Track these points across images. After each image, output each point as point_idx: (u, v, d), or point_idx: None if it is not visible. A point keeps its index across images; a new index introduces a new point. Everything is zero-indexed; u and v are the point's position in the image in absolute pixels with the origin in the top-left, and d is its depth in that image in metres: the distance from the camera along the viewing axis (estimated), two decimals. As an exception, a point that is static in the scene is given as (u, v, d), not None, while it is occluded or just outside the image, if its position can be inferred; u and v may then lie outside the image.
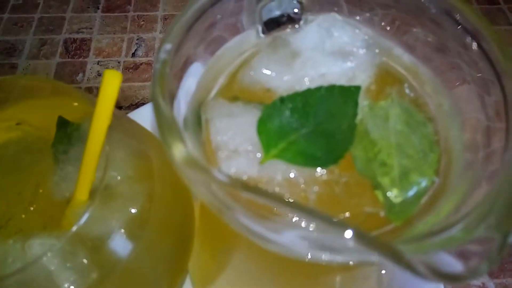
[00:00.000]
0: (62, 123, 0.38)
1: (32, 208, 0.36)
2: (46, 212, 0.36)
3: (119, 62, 0.80)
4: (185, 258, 0.40)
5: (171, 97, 0.26)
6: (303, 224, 0.19)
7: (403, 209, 0.26)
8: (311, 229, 0.19)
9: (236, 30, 0.33)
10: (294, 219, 0.21)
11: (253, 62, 0.30)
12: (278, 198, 0.20)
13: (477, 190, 0.25)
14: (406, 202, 0.26)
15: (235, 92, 0.30)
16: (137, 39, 0.84)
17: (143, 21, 0.86)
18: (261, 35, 0.34)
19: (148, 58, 0.81)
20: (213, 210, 0.22)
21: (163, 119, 0.22)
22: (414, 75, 0.31)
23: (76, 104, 0.39)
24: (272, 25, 0.34)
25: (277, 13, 0.33)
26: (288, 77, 0.29)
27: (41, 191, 0.36)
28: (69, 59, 0.80)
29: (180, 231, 0.39)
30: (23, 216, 0.35)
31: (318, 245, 0.20)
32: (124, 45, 0.83)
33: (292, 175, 0.25)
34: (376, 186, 0.26)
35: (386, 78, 0.31)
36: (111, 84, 0.27)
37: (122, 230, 0.33)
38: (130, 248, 0.34)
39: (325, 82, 0.29)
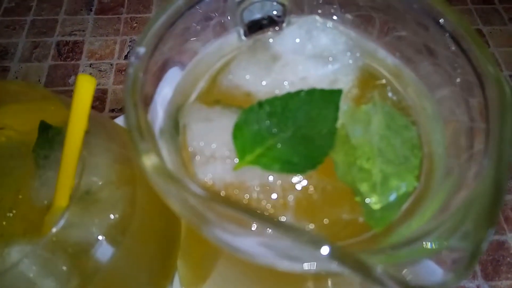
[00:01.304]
0: (44, 128, 0.38)
1: (12, 214, 0.35)
2: (27, 218, 0.35)
3: (111, 65, 0.79)
4: (169, 262, 0.39)
5: (146, 102, 0.25)
6: (273, 235, 0.19)
7: (383, 215, 0.25)
8: (281, 242, 0.18)
9: (216, 33, 0.32)
10: (262, 229, 0.21)
11: (232, 65, 0.30)
12: (250, 211, 0.19)
13: (458, 195, 0.24)
14: (386, 208, 0.25)
15: (216, 96, 0.30)
16: (130, 41, 0.83)
17: (136, 23, 0.86)
18: (243, 37, 0.33)
19: (141, 60, 0.80)
20: (184, 220, 0.22)
21: (132, 127, 0.22)
22: (397, 77, 0.31)
23: (58, 109, 0.39)
24: (255, 27, 0.33)
25: (258, 15, 0.32)
26: (268, 80, 0.29)
27: (21, 196, 0.36)
28: (62, 62, 0.80)
29: (164, 235, 0.38)
30: (3, 222, 0.35)
31: (285, 256, 0.19)
32: (117, 47, 0.82)
33: (269, 181, 0.25)
34: (356, 192, 0.26)
35: (369, 81, 0.30)
36: (85, 88, 0.27)
37: (103, 236, 0.32)
38: (111, 254, 0.34)
39: (306, 85, 0.29)
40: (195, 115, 0.27)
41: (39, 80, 0.77)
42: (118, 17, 0.87)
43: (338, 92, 0.28)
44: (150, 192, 0.38)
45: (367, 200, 0.25)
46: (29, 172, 0.36)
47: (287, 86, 0.29)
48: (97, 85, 0.76)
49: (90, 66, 0.80)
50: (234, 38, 0.33)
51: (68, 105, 0.37)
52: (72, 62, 0.80)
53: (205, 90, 0.31)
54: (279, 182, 0.25)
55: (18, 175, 0.36)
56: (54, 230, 0.28)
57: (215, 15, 0.32)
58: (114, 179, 0.36)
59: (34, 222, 0.35)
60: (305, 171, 0.25)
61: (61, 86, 0.78)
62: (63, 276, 0.32)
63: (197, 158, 0.26)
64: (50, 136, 0.37)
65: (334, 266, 0.17)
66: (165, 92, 0.28)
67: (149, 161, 0.21)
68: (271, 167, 0.25)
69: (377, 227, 0.25)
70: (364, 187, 0.25)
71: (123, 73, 0.78)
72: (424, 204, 0.26)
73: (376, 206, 0.25)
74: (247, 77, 0.29)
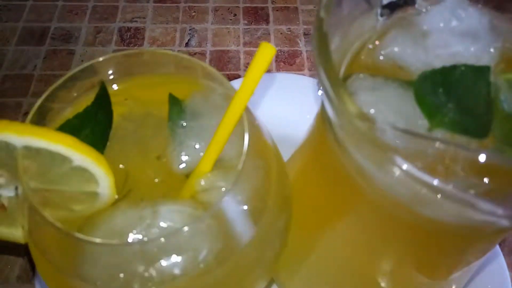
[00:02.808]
0: (173, 100, 0.40)
1: (151, 179, 0.37)
2: (165, 183, 0.37)
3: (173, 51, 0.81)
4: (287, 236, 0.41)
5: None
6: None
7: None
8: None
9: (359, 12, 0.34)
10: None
11: (386, 41, 0.32)
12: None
13: None
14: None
15: (367, 69, 0.32)
16: (189, 30, 0.85)
17: (195, 12, 0.88)
18: (379, 18, 0.35)
19: (202, 48, 0.82)
20: (368, 167, 0.24)
21: (334, 76, 0.24)
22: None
23: (187, 80, 0.41)
24: (390, 8, 0.35)
25: (394, -2, 0.34)
26: (421, 55, 0.31)
27: (160, 163, 0.37)
28: (125, 47, 0.82)
29: (287, 207, 0.40)
30: (144, 186, 0.37)
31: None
32: (178, 35, 0.84)
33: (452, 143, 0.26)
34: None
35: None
36: (265, 56, 0.28)
37: (251, 202, 0.34)
38: (254, 224, 0.35)
39: (455, 61, 0.31)
40: (361, 84, 0.29)
41: (104, 64, 0.79)
42: (176, 5, 0.89)
43: (487, 68, 0.31)
44: (273, 164, 0.39)
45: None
46: (164, 141, 0.38)
47: (438, 61, 0.31)
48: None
49: (153, 52, 0.82)
50: (370, 18, 0.35)
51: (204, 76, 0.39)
52: (135, 47, 0.82)
53: (349, 66, 0.33)
54: (458, 145, 0.27)
55: (156, 143, 0.38)
56: (226, 192, 0.30)
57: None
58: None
59: (171, 186, 0.37)
60: (480, 137, 0.27)
61: (125, 71, 0.79)
62: (218, 239, 0.33)
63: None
64: (183, 108, 0.39)
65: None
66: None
67: (353, 107, 0.23)
68: (454, 129, 0.27)
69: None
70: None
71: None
72: None
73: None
74: (403, 51, 0.31)
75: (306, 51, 0.83)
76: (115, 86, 0.40)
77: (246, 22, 0.86)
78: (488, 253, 0.38)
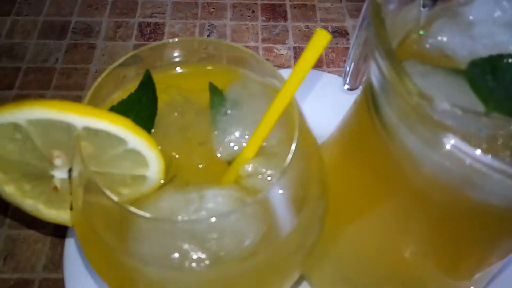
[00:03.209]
0: (214, 89, 0.40)
1: (195, 165, 0.38)
2: (208, 168, 0.38)
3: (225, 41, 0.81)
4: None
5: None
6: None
7: None
8: None
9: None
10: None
11: (432, 30, 0.33)
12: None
13: None
14: None
15: (413, 57, 0.32)
16: (208, 25, 0.86)
17: (213, 8, 0.89)
18: (422, 9, 0.36)
19: (221, 44, 0.83)
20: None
21: (394, 57, 0.25)
22: None
23: (225, 70, 0.42)
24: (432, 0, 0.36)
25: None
26: (468, 44, 0.32)
27: (203, 149, 0.38)
28: (145, 42, 0.83)
29: (325, 195, 0.41)
30: (188, 172, 0.37)
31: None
32: (197, 30, 0.85)
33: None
34: None
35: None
36: (320, 42, 0.29)
37: (296, 190, 0.35)
38: (298, 211, 0.36)
39: (501, 50, 0.32)
40: (411, 70, 0.30)
41: (125, 58, 0.79)
42: (195, 2, 0.89)
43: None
44: (309, 151, 0.40)
45: None
46: (207, 128, 0.39)
47: (484, 50, 0.32)
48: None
49: (173, 47, 0.83)
50: (412, 10, 0.36)
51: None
52: (155, 42, 0.82)
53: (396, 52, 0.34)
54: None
55: (198, 130, 0.38)
56: (280, 176, 0.31)
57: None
58: (285, 138, 0.39)
59: (213, 172, 0.38)
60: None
61: (146, 65, 0.80)
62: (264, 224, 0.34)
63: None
64: (224, 96, 0.40)
65: None
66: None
67: (413, 87, 0.24)
68: (509, 114, 0.28)
69: None
70: None
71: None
72: None
73: None
74: (449, 40, 0.32)
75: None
76: (158, 74, 0.40)
77: (264, 18, 0.87)
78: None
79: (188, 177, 0.37)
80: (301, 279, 0.53)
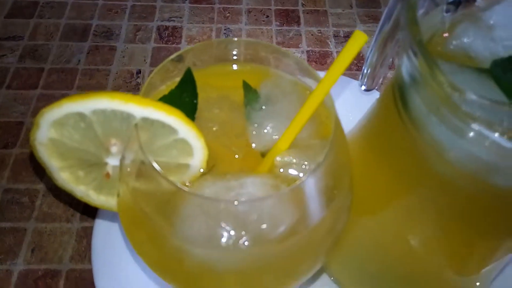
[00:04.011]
0: (247, 87, 0.43)
1: (232, 156, 0.41)
2: (244, 159, 0.41)
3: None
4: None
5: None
6: None
7: None
8: None
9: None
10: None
11: (456, 33, 0.36)
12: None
13: None
14: None
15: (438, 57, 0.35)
16: (224, 29, 0.89)
17: (229, 13, 0.92)
18: (445, 14, 0.39)
19: (237, 47, 0.86)
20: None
21: (426, 51, 0.28)
22: None
23: (257, 70, 0.44)
24: (454, 5, 0.39)
25: (458, -4, 0.38)
26: (490, 46, 0.35)
27: (239, 141, 0.41)
28: (164, 45, 0.86)
29: (351, 186, 0.43)
30: (225, 162, 0.40)
31: None
32: (213, 34, 0.88)
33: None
34: None
35: None
36: (357, 43, 0.32)
37: (329, 180, 0.38)
38: (329, 202, 0.39)
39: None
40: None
41: (144, 60, 0.83)
42: (211, 7, 0.93)
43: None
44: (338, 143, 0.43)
45: None
46: (243, 122, 0.42)
47: (504, 51, 0.35)
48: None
49: (191, 50, 0.86)
50: (435, 15, 0.39)
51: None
52: (174, 45, 0.86)
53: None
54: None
55: (234, 124, 0.41)
56: (319, 164, 0.33)
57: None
58: (313, 132, 0.42)
59: (250, 163, 0.40)
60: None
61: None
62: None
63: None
64: (257, 94, 0.43)
65: None
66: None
67: (445, 80, 0.27)
68: None
69: None
70: None
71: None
72: None
73: None
74: (472, 42, 0.35)
75: (336, 52, 0.87)
76: (196, 72, 0.43)
77: (278, 23, 0.90)
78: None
79: (226, 166, 0.40)
80: (321, 270, 0.56)
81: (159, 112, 0.31)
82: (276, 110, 0.41)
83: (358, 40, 0.32)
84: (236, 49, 0.43)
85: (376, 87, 0.57)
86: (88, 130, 0.32)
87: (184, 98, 0.41)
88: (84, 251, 0.62)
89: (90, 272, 0.60)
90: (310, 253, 0.40)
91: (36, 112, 0.74)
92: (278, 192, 0.33)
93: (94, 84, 0.79)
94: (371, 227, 0.49)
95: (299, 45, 0.87)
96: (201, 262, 0.36)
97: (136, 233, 0.38)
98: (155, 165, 0.31)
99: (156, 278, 0.50)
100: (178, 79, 0.41)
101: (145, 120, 0.32)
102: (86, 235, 0.63)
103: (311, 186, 0.35)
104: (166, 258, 0.36)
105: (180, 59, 0.40)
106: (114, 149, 0.33)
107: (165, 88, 0.41)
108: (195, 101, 0.40)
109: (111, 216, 0.59)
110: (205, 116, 0.41)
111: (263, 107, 0.41)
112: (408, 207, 0.42)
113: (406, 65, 0.32)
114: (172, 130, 0.33)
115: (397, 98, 0.36)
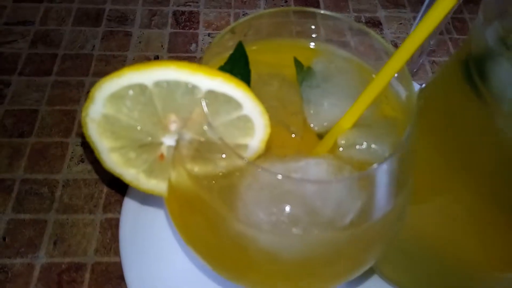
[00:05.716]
0: (298, 64, 0.41)
1: (289, 135, 0.38)
2: (302, 138, 0.38)
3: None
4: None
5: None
6: None
7: None
8: None
9: None
10: None
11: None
12: None
13: None
14: None
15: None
16: (242, 14, 0.86)
17: (246, -2, 0.89)
18: None
19: (256, 33, 0.83)
20: None
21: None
22: None
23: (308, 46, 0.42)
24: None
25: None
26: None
27: (296, 120, 0.38)
28: (180, 30, 0.82)
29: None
30: (283, 142, 0.38)
31: None
32: (231, 19, 0.85)
33: None
34: None
35: None
36: (443, 6, 0.29)
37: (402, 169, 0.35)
38: (398, 192, 0.36)
39: None
40: None
41: (161, 46, 0.79)
42: (228, -9, 0.89)
43: None
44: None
45: None
46: (298, 99, 0.39)
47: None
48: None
49: (209, 36, 0.83)
50: None
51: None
52: (191, 31, 0.82)
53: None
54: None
55: (290, 101, 0.39)
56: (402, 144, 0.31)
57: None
58: (375, 110, 0.39)
59: (308, 142, 0.38)
60: None
61: (183, 53, 0.80)
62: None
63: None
64: (311, 71, 0.40)
65: None
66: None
67: None
68: None
69: None
70: None
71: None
72: None
73: None
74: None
75: (358, 37, 0.84)
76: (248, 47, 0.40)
77: (297, 8, 0.87)
78: None
79: (283, 146, 0.37)
80: (371, 271, 0.53)
81: (228, 85, 0.28)
82: (334, 87, 0.39)
83: (446, 4, 0.29)
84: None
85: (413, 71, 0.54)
86: (147, 105, 0.29)
87: (234, 74, 0.38)
88: (109, 243, 0.59)
89: (116, 265, 0.57)
90: (377, 242, 0.37)
91: (51, 99, 0.71)
92: (357, 173, 0.31)
93: (111, 70, 0.74)
94: (430, 220, 0.45)
95: (321, 30, 0.84)
96: (264, 247, 0.33)
97: (190, 219, 0.35)
98: (226, 142, 0.28)
99: (190, 268, 0.48)
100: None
101: (210, 93, 0.29)
102: (110, 227, 0.60)
103: (392, 169, 0.32)
104: (226, 246, 0.33)
105: (232, 32, 0.37)
106: (173, 126, 0.30)
107: (217, 61, 0.38)
108: (248, 77, 0.37)
109: (137, 206, 0.57)
110: (259, 93, 0.38)
111: (320, 85, 0.39)
112: (477, 195, 0.39)
113: (498, 32, 0.29)
114: (237, 105, 0.30)
115: (472, 72, 0.34)
